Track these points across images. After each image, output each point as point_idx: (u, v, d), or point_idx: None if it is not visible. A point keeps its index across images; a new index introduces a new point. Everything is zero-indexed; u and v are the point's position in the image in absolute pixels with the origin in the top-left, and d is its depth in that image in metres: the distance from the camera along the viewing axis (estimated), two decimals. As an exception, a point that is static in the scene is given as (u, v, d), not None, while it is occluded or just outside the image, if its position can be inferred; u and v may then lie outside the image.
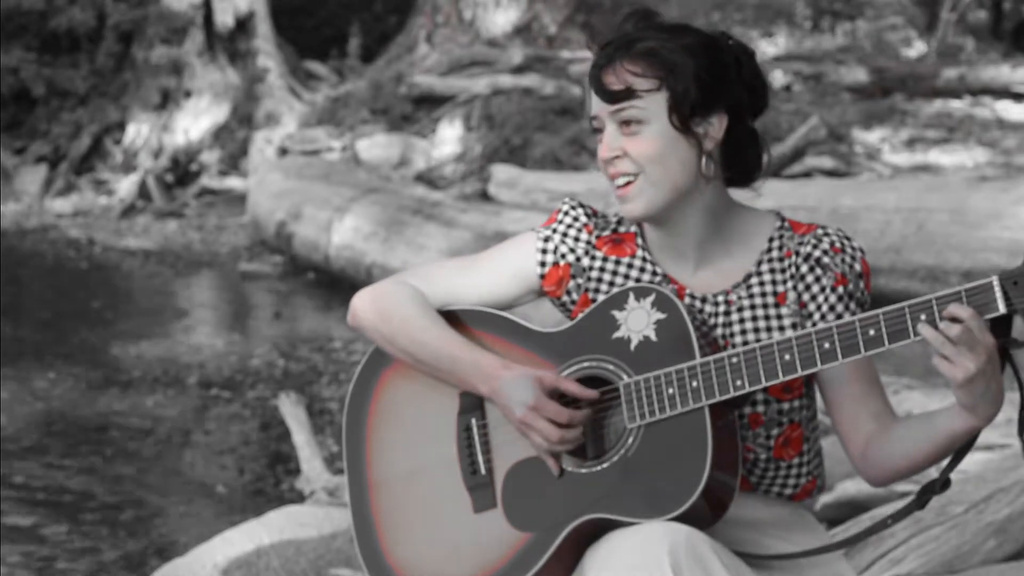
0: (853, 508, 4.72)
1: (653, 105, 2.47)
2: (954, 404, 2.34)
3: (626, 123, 2.48)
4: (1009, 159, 12.57)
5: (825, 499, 4.83)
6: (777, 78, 14.12)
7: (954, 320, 2.26)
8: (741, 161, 2.55)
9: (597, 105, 2.52)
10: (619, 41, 2.50)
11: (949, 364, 2.27)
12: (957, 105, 14.06)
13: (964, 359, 2.26)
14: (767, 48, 15.67)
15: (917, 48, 16.41)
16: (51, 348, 8.75)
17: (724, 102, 2.49)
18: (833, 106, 13.57)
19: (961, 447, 2.40)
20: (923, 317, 2.28)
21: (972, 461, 4.56)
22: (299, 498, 5.78)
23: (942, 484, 2.44)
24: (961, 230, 8.77)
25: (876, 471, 2.49)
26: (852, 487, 4.85)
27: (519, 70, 14.34)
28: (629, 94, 2.47)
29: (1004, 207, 8.70)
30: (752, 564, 2.48)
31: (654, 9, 2.55)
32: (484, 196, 11.96)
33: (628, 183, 2.50)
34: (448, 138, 14.00)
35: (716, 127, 2.50)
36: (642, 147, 2.48)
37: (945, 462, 2.45)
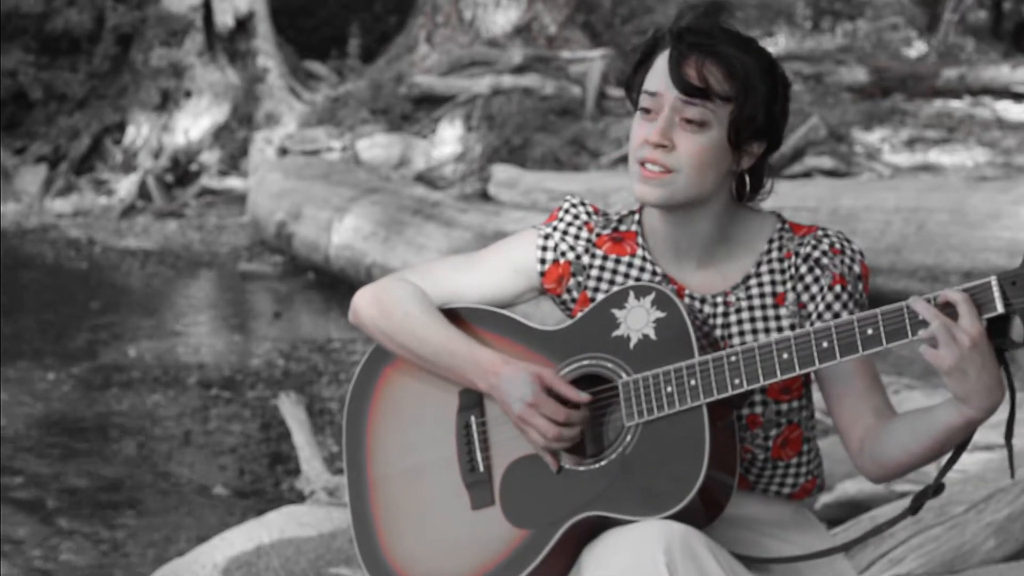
0: (853, 508, 4.72)
1: (720, 113, 2.48)
2: (951, 397, 2.33)
3: (688, 120, 2.49)
4: (1009, 159, 12.58)
5: (825, 499, 4.83)
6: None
7: (947, 306, 2.26)
8: (753, 182, 2.58)
9: (662, 84, 2.50)
10: (698, 36, 2.49)
11: (935, 352, 2.27)
12: (957, 105, 14.06)
13: (952, 344, 2.25)
14: (767, 48, 15.66)
15: (917, 48, 16.40)
16: (51, 348, 8.75)
17: (771, 131, 2.53)
18: (833, 106, 13.57)
19: (959, 444, 2.39)
20: (920, 317, 2.28)
21: (972, 461, 4.57)
22: (299, 498, 5.78)
23: (935, 489, 2.44)
24: (961, 230, 8.77)
25: (876, 467, 2.48)
26: (852, 487, 4.85)
27: (519, 70, 14.33)
28: (706, 94, 2.47)
29: (1004, 207, 8.70)
30: (749, 564, 2.48)
31: (724, 2, 2.55)
32: (484, 196, 11.96)
33: (659, 171, 2.50)
34: (448, 138, 14.00)
35: (756, 150, 2.54)
36: (694, 148, 2.48)
37: (943, 462, 2.44)
